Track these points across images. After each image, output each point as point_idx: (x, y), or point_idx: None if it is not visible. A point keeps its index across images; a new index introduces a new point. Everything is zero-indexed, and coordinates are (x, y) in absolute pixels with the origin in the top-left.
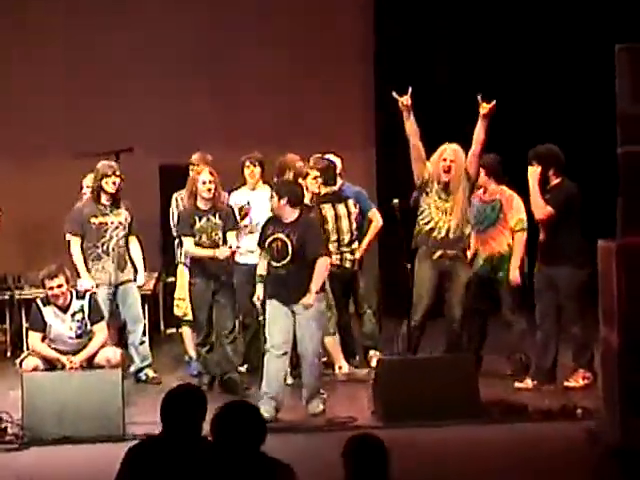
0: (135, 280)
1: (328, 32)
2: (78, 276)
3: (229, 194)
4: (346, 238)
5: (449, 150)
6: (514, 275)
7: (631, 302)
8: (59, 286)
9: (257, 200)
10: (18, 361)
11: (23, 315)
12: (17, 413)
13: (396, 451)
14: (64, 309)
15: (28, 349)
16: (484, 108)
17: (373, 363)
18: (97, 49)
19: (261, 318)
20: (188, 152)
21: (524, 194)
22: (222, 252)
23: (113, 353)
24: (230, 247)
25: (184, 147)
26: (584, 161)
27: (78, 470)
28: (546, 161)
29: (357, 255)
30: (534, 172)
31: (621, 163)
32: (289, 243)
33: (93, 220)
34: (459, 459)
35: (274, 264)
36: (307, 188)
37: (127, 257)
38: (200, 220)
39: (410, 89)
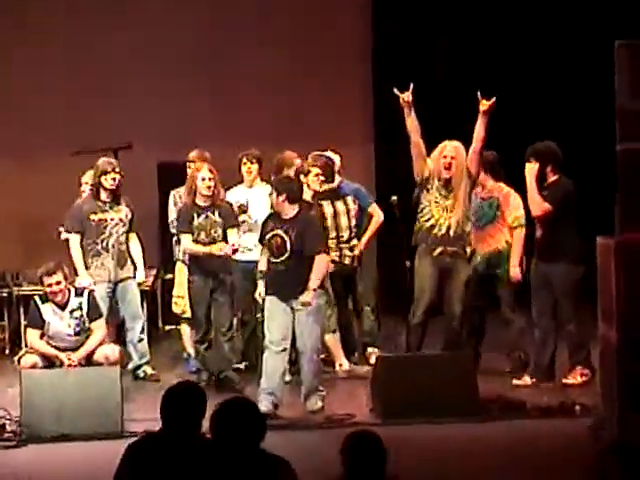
0: (135, 277)
1: (328, 32)
2: (76, 274)
3: (226, 191)
4: (345, 235)
5: (449, 147)
6: (514, 272)
7: (630, 299)
8: (57, 283)
9: (255, 198)
10: (16, 358)
11: (21, 312)
12: (15, 410)
13: (394, 448)
14: (62, 306)
15: (26, 346)
16: (484, 105)
17: (372, 360)
18: (97, 49)
19: (259, 315)
20: (187, 149)
21: (522, 191)
22: (218, 248)
23: (111, 350)
24: (233, 245)
25: (183, 144)
26: (583, 158)
27: (76, 467)
28: (544, 158)
29: (356, 252)
30: (532, 169)
31: (620, 160)
32: (287, 239)
33: (93, 217)
34: (457, 456)
35: (273, 260)
36: (309, 185)
37: (127, 254)
38: (199, 217)
39: (411, 85)
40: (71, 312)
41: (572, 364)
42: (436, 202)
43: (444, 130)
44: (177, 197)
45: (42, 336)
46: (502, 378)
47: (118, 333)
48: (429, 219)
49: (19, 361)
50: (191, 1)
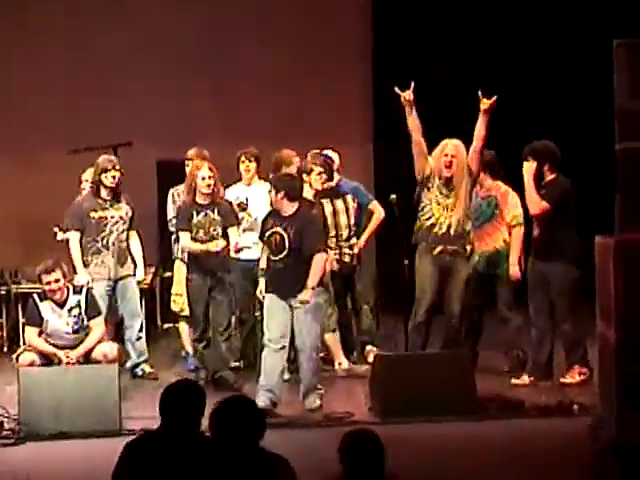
0: (135, 275)
1: (328, 32)
2: (75, 271)
3: (225, 189)
4: (344, 234)
5: (450, 145)
6: (514, 270)
7: (628, 299)
8: (56, 281)
9: (255, 195)
10: (14, 356)
11: (20, 310)
12: (13, 408)
13: (393, 447)
14: (61, 304)
15: (24, 344)
16: (484, 104)
17: (370, 359)
18: (97, 49)
19: (258, 314)
20: (186, 147)
21: (520, 190)
22: (215, 244)
23: (110, 348)
24: (237, 244)
25: (182, 142)
26: (582, 157)
27: (75, 465)
28: (542, 157)
29: (356, 250)
30: (529, 167)
31: (619, 159)
32: (286, 237)
33: (93, 214)
34: (456, 455)
35: (272, 258)
36: (311, 184)
37: (127, 252)
38: (198, 215)
39: (412, 84)
40: (69, 310)
41: (569, 363)
42: (437, 201)
43: (444, 129)
44: (176, 195)
45: (40, 334)
46: (500, 377)
47: (117, 331)
48: (430, 218)
49: (17, 359)
50: (191, 1)
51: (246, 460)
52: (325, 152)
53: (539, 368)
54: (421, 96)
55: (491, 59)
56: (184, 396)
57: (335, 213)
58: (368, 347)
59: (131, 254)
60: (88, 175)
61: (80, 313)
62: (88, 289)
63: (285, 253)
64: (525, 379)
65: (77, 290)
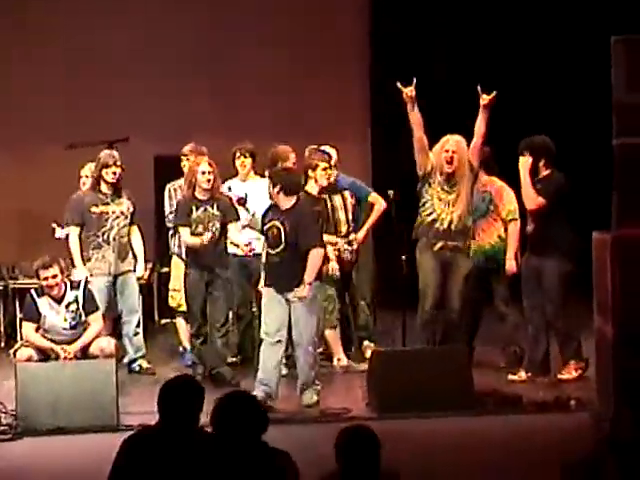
0: (135, 271)
1: (328, 32)
2: (74, 266)
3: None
4: (343, 229)
5: (451, 141)
6: (510, 265)
7: (625, 294)
8: (53, 276)
9: (253, 191)
10: (12, 351)
11: (17, 305)
12: (11, 403)
13: (390, 442)
14: (58, 300)
15: (22, 339)
16: (484, 99)
17: (367, 354)
18: (97, 49)
19: (255, 309)
20: (184, 143)
21: (515, 185)
22: (207, 237)
23: (107, 343)
24: (250, 244)
25: (180, 138)
26: (580, 153)
27: (72, 460)
28: (537, 152)
29: (355, 246)
30: (525, 162)
31: (617, 154)
32: (282, 231)
33: (94, 209)
34: (453, 450)
35: (270, 251)
36: (316, 180)
37: (128, 247)
38: (197, 210)
39: (414, 80)
40: (67, 306)
41: (564, 359)
42: (438, 197)
43: (445, 129)
44: (172, 191)
45: (37, 329)
46: (497, 372)
47: (114, 326)
48: (431, 213)
49: (14, 354)
50: (191, 1)
51: (249, 455)
52: (323, 148)
53: (536, 364)
54: (420, 94)
55: (489, 56)
56: (183, 392)
57: (333, 209)
58: (365, 343)
59: (132, 249)
60: (87, 170)
61: (78, 309)
62: (86, 284)
63: (282, 247)
64: (522, 375)
65: (75, 286)
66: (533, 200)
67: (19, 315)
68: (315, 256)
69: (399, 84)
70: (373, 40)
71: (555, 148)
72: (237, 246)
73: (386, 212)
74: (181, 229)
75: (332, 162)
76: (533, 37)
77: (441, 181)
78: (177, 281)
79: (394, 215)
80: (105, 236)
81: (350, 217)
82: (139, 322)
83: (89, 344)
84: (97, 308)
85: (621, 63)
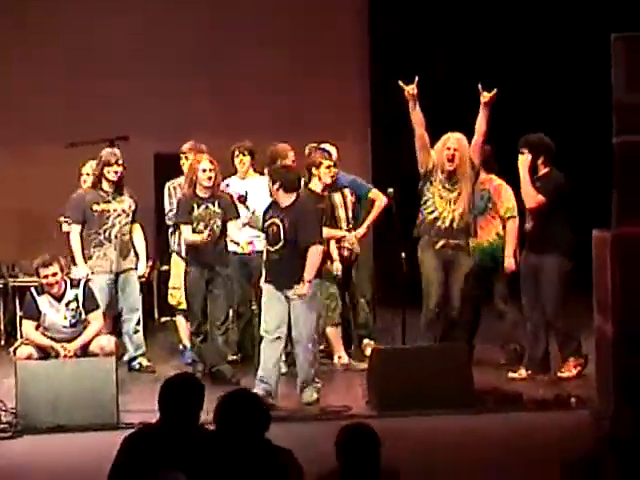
0: (136, 269)
1: (328, 32)
2: (74, 264)
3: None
4: (343, 227)
5: (452, 139)
6: (509, 262)
7: (625, 292)
8: (53, 274)
9: (253, 189)
10: (12, 349)
11: (17, 304)
12: (11, 401)
13: (390, 440)
14: (58, 298)
15: (22, 338)
16: (485, 97)
17: (367, 352)
18: (97, 49)
19: (254, 307)
20: (184, 141)
21: (515, 183)
22: (206, 234)
23: (107, 341)
24: (250, 243)
25: (180, 136)
26: (580, 151)
27: (72, 458)
28: (537, 149)
29: (355, 242)
30: (525, 161)
31: (617, 153)
32: (282, 228)
33: (95, 207)
34: (453, 448)
35: (269, 249)
36: (320, 178)
37: (130, 245)
38: (199, 208)
39: (416, 78)
40: (67, 304)
41: (563, 357)
42: (440, 195)
43: (444, 126)
44: (172, 189)
45: (37, 327)
46: (497, 370)
47: (114, 324)
48: (433, 211)
49: (14, 352)
50: (191, 1)
51: (253, 452)
52: (323, 146)
53: (536, 362)
54: (420, 94)
55: (489, 55)
56: (183, 389)
57: (333, 207)
58: (365, 341)
59: (134, 247)
60: (88, 168)
61: (78, 307)
62: (86, 282)
63: (281, 244)
64: (522, 372)
65: (75, 284)
66: (533, 198)
67: (19, 313)
68: (314, 253)
69: (401, 82)
70: (373, 40)
71: (554, 146)
72: (237, 244)
73: (386, 209)
74: (182, 227)
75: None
76: (533, 35)
77: (442, 179)
78: (177, 279)
79: (395, 212)
80: (107, 234)
81: (350, 215)
82: (139, 320)
83: (89, 342)
84: (97, 306)
85: (621, 61)
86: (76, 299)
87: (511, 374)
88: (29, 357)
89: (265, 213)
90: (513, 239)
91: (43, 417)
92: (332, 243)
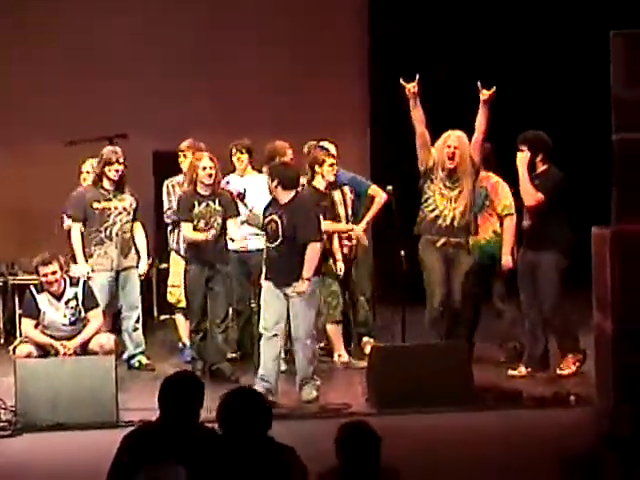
0: (137, 267)
1: (328, 32)
2: (75, 262)
3: None
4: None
5: (453, 137)
6: (506, 260)
7: (625, 289)
8: (53, 273)
9: (251, 186)
10: (11, 348)
11: (16, 302)
12: (10, 400)
13: (390, 438)
14: (58, 296)
15: (21, 336)
16: (484, 94)
17: (367, 350)
18: (97, 49)
19: (254, 305)
20: (183, 139)
21: (513, 181)
22: (212, 234)
23: (107, 339)
24: (245, 239)
25: (179, 133)
26: (579, 148)
27: (72, 456)
28: (535, 147)
29: (354, 241)
30: (523, 158)
31: (616, 150)
32: (280, 224)
33: (96, 205)
34: (452, 445)
35: (269, 245)
36: (323, 176)
37: (131, 243)
38: (199, 205)
39: (417, 76)
40: (67, 302)
41: (562, 354)
42: (440, 193)
43: (444, 125)
44: (170, 187)
45: (37, 326)
46: (497, 368)
47: (114, 322)
48: (433, 210)
49: (14, 351)
50: (191, 1)
51: (257, 450)
52: (322, 143)
53: (535, 359)
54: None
55: (488, 53)
56: (183, 388)
57: (333, 205)
58: (365, 339)
59: (135, 245)
60: (88, 166)
61: (77, 305)
62: (85, 281)
63: (279, 241)
64: (522, 370)
65: (74, 282)
66: (532, 196)
67: (18, 311)
68: (312, 250)
69: (402, 80)
70: (372, 40)
71: (552, 143)
72: (232, 240)
73: (386, 207)
74: (183, 224)
75: None
76: (532, 33)
77: (443, 177)
78: (176, 277)
79: (395, 208)
80: (107, 232)
81: (349, 212)
82: (138, 318)
83: (88, 340)
84: (97, 304)
85: (620, 58)
86: (75, 297)
87: (511, 372)
88: (29, 355)
89: (265, 210)
90: (510, 237)
91: (43, 415)
92: (335, 242)
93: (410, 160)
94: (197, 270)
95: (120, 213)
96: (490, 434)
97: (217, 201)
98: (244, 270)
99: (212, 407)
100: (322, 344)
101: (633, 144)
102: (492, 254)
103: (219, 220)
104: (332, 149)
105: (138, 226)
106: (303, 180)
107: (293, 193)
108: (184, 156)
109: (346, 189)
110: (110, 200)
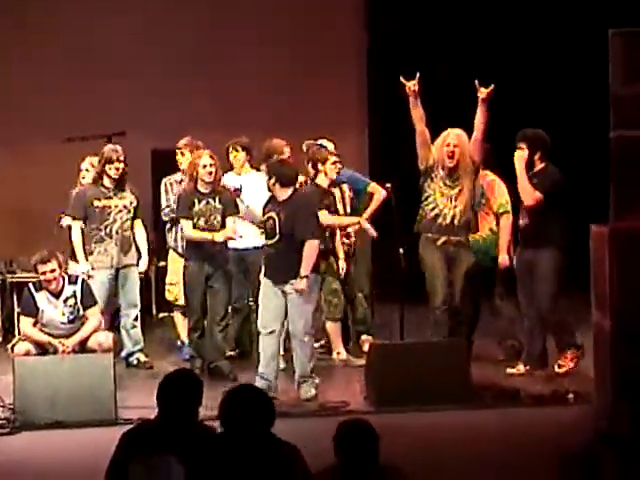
0: (138, 265)
1: (327, 32)
2: (76, 260)
3: None
4: None
5: (452, 135)
6: (503, 258)
7: (623, 287)
8: (52, 271)
9: (248, 184)
10: (10, 346)
11: (15, 300)
12: (9, 398)
13: (388, 436)
14: (56, 294)
15: (20, 334)
16: (482, 93)
17: (365, 348)
18: (97, 49)
19: (252, 303)
20: (182, 136)
21: (511, 179)
22: (220, 236)
23: (105, 337)
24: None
25: (178, 131)
26: (577, 146)
27: (70, 454)
28: (534, 144)
29: (353, 238)
30: (521, 157)
31: (614, 147)
32: (277, 221)
33: (96, 203)
34: (451, 443)
35: (267, 242)
36: (326, 173)
37: (131, 240)
38: (200, 203)
39: (418, 74)
40: (65, 300)
41: (559, 350)
42: (441, 191)
43: (443, 125)
44: (168, 185)
45: (35, 324)
46: (495, 366)
47: (112, 320)
48: (434, 208)
49: (12, 349)
50: (191, 1)
51: (260, 447)
52: (320, 142)
53: (534, 357)
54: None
55: (487, 52)
56: (182, 385)
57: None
58: (363, 336)
59: (136, 243)
60: (87, 164)
61: (76, 303)
62: (83, 279)
63: (277, 238)
64: (520, 368)
65: (73, 280)
66: (531, 196)
67: (17, 310)
68: (310, 248)
69: (402, 78)
70: (371, 39)
71: (551, 141)
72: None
73: (385, 204)
74: (183, 222)
75: None
76: (531, 31)
77: (443, 176)
78: (174, 275)
79: (394, 205)
80: (107, 230)
81: (348, 210)
82: (137, 316)
83: (87, 338)
84: (95, 302)
85: (618, 56)
86: (74, 295)
87: (509, 370)
88: (27, 353)
89: (264, 207)
90: (507, 235)
91: (41, 413)
92: (337, 241)
93: (409, 159)
94: (196, 267)
95: (120, 211)
96: (489, 432)
97: (217, 199)
98: (242, 268)
99: (210, 405)
100: (323, 342)
101: (631, 141)
102: (488, 252)
103: (219, 218)
104: (330, 147)
105: (139, 224)
106: (301, 178)
107: (291, 190)
108: (182, 154)
109: (345, 187)
110: (111, 198)
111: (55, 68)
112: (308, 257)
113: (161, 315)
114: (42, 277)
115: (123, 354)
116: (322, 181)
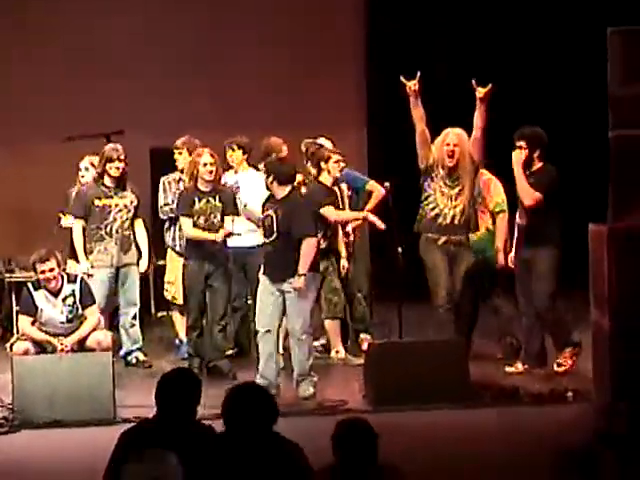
0: (138, 264)
1: (327, 32)
2: (76, 260)
3: None
4: None
5: (452, 134)
6: (500, 257)
7: (622, 286)
8: (50, 270)
9: (245, 183)
10: (8, 345)
11: (14, 299)
12: (8, 397)
13: (387, 435)
14: (55, 293)
15: (18, 333)
16: (480, 92)
17: (364, 347)
18: (97, 49)
19: (250, 301)
20: (181, 135)
21: (510, 179)
22: (220, 235)
23: (104, 336)
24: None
25: (177, 130)
26: (576, 145)
27: (69, 453)
28: (533, 143)
29: (352, 237)
30: (519, 157)
31: (612, 146)
32: (275, 219)
33: (97, 202)
34: (449, 442)
35: (265, 240)
36: (329, 172)
37: (132, 240)
38: (200, 201)
39: (418, 74)
40: (64, 299)
41: (558, 349)
42: (441, 191)
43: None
44: (167, 184)
45: (34, 323)
46: (494, 365)
47: (111, 319)
48: (434, 208)
49: (11, 348)
50: (191, 1)
51: (263, 445)
52: (319, 140)
53: (532, 356)
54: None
55: (486, 52)
56: (180, 384)
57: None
58: (362, 335)
59: (136, 242)
60: (86, 162)
61: (74, 302)
62: (82, 278)
63: (275, 236)
64: (519, 367)
65: (71, 279)
66: (530, 196)
67: (16, 308)
68: (307, 246)
69: (403, 78)
70: (371, 39)
71: (548, 139)
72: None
73: (384, 203)
74: (183, 220)
75: None
76: (530, 31)
77: (444, 175)
78: (172, 274)
79: (391, 204)
80: (108, 229)
81: (347, 209)
82: (135, 314)
83: (86, 337)
84: (94, 301)
85: (617, 55)
86: (73, 294)
87: (508, 368)
88: (26, 352)
89: (263, 206)
90: (503, 234)
91: (40, 412)
92: (340, 239)
93: (408, 159)
94: (196, 266)
95: (120, 210)
96: (487, 431)
97: (217, 197)
98: (240, 266)
99: (209, 404)
100: (323, 341)
101: (630, 141)
102: (484, 250)
103: (219, 217)
104: (328, 145)
105: (139, 223)
106: (300, 177)
107: (289, 188)
108: (179, 153)
109: (343, 186)
110: (111, 197)
111: (55, 68)
112: (306, 255)
113: (160, 314)
114: (41, 276)
115: (122, 353)
116: (325, 179)
